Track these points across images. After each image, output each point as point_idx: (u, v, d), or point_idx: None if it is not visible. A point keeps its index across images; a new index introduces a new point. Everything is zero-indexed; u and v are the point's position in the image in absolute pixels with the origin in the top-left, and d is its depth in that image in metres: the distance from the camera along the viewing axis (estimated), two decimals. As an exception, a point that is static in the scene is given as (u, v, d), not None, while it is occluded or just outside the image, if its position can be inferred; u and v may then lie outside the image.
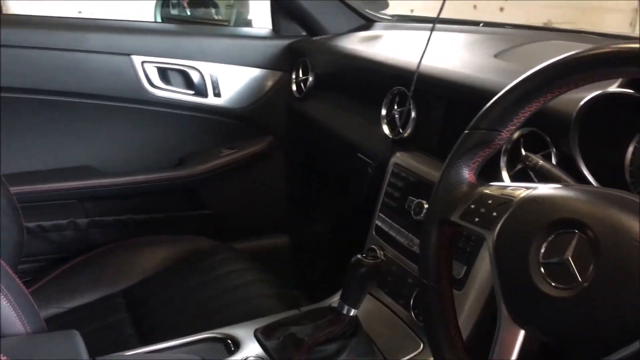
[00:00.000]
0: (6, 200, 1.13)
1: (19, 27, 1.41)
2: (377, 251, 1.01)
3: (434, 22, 0.98)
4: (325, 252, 1.56)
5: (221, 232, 1.52)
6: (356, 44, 1.42)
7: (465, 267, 0.83)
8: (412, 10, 3.01)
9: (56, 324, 1.11)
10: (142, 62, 1.45)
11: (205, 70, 1.51)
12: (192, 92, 1.52)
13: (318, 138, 1.45)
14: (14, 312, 0.75)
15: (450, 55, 1.13)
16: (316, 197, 1.59)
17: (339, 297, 0.94)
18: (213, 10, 1.84)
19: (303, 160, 1.60)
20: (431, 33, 0.96)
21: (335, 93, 1.40)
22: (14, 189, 1.11)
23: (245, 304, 1.13)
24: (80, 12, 2.60)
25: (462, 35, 1.38)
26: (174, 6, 1.79)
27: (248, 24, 1.72)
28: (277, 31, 1.63)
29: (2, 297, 0.74)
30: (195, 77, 1.50)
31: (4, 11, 2.48)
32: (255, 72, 1.56)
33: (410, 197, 0.97)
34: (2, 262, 0.76)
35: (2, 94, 1.36)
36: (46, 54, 1.38)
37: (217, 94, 1.53)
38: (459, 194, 0.62)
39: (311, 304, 1.10)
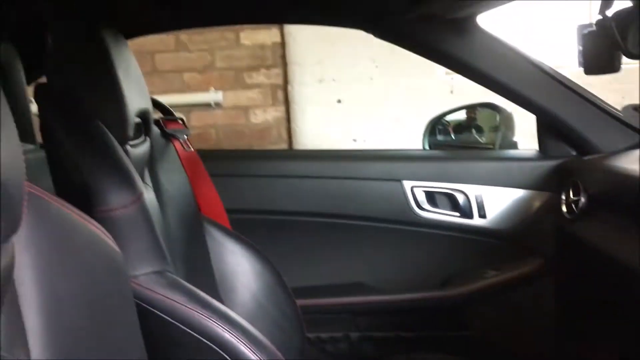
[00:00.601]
0: (292, 311, 1.27)
1: (313, 160, 1.66)
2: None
3: None
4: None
5: (484, 355, 1.48)
6: (636, 162, 1.33)
7: None
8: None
9: None
10: (412, 187, 1.57)
11: (470, 192, 1.56)
12: (458, 213, 1.57)
13: (594, 262, 1.35)
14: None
15: None
16: (592, 326, 1.45)
17: None
18: (478, 135, 1.91)
19: (576, 285, 1.50)
20: None
21: (612, 214, 1.31)
22: (298, 302, 1.25)
23: None
24: (355, 140, 2.90)
25: None
26: (440, 132, 1.91)
27: (513, 145, 1.74)
28: (544, 152, 1.61)
29: (290, 400, 0.82)
30: (460, 199, 1.56)
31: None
32: (520, 193, 1.55)
33: None
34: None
35: (294, 217, 1.59)
36: (331, 182, 1.59)
37: (482, 215, 1.55)
38: None
39: None
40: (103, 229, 0.60)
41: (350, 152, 1.78)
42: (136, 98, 1.07)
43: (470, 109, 1.94)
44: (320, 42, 2.81)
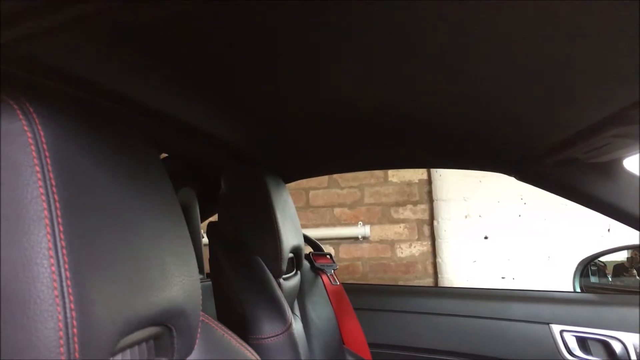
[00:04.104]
0: None
1: (458, 298, 1.66)
2: None
3: None
4: None
5: None
6: None
7: None
8: None
9: None
10: (561, 331, 1.50)
11: (629, 341, 1.44)
12: (615, 364, 1.45)
13: None
14: None
15: None
16: None
17: None
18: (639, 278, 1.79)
19: None
20: None
21: None
22: None
23: None
24: (503, 277, 2.82)
25: None
26: (593, 274, 1.82)
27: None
28: None
29: None
30: (617, 347, 1.45)
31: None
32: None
33: None
34: None
35: (436, 356, 1.58)
36: (476, 322, 1.57)
37: (645, 367, 1.43)
38: None
39: None
40: (257, 356, 0.68)
41: (496, 292, 1.75)
42: (291, 236, 1.20)
43: (636, 249, 1.84)
44: (466, 179, 2.87)
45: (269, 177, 1.20)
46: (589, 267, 1.81)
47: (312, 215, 3.07)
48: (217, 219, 1.25)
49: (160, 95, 0.78)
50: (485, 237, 2.85)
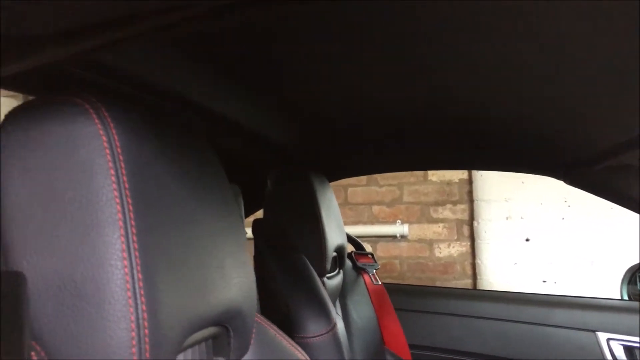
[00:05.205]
0: None
1: (501, 302, 1.64)
2: None
3: None
4: None
5: None
6: None
7: None
8: None
9: None
10: (608, 339, 1.46)
11: (679, 352, 1.41)
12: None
13: None
14: None
15: None
16: None
17: None
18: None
19: None
20: None
21: None
22: None
23: None
24: (544, 281, 2.77)
25: None
26: (641, 281, 1.77)
27: None
28: None
29: None
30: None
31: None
32: None
33: None
34: None
35: (471, 359, 1.56)
36: (519, 327, 1.55)
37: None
38: None
39: None
40: (307, 355, 0.69)
41: (539, 297, 1.71)
42: (335, 235, 1.20)
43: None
44: (508, 180, 2.83)
45: (314, 176, 1.20)
46: (637, 275, 1.77)
47: (351, 212, 3.07)
48: (261, 216, 1.26)
49: (213, 96, 0.79)
50: (527, 240, 2.80)
